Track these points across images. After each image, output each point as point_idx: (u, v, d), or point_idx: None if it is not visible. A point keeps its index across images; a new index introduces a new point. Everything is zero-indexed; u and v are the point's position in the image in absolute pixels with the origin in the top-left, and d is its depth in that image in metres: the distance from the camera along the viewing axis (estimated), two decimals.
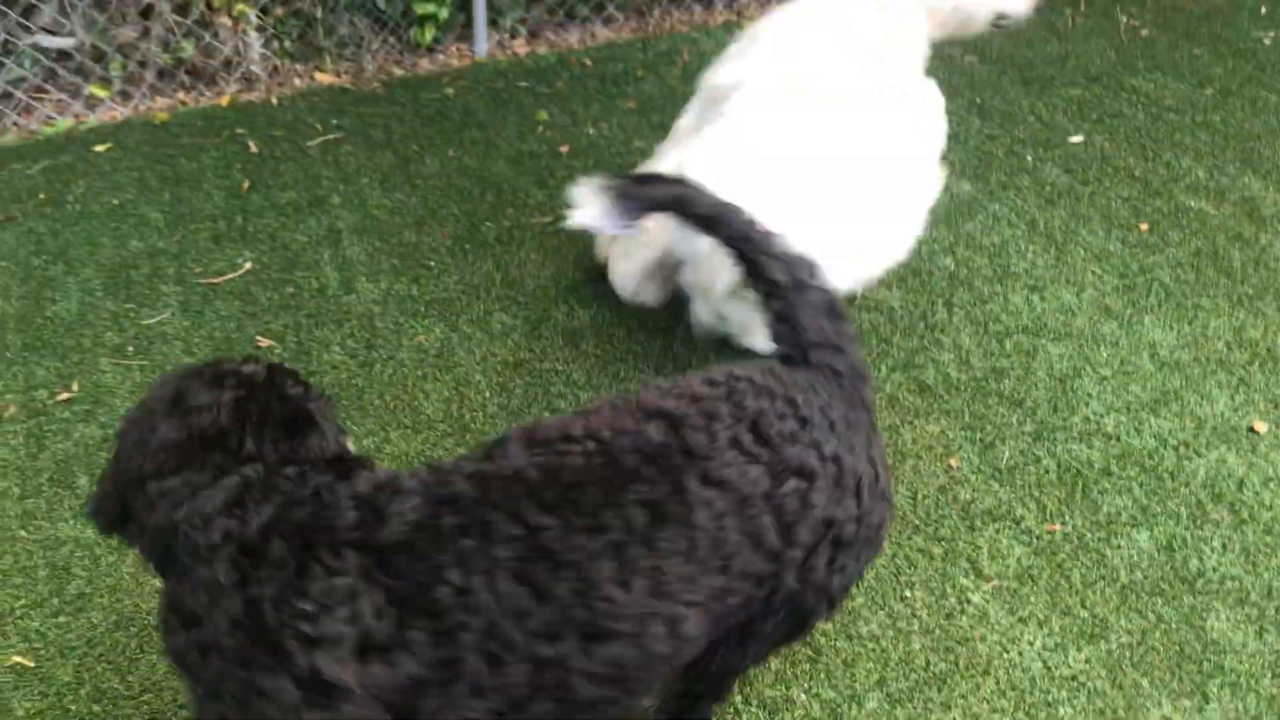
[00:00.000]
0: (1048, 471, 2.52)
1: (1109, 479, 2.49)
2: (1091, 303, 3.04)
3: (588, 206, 1.74)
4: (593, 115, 3.94)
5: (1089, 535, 2.35)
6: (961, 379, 2.79)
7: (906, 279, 3.14)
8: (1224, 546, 2.33)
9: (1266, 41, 4.42)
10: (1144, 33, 4.52)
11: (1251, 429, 2.62)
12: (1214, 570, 2.28)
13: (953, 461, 2.52)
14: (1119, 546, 2.33)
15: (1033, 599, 2.22)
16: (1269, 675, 2.08)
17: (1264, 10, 4.66)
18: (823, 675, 2.07)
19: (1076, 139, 3.80)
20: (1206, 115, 3.93)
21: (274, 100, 3.93)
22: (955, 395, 2.74)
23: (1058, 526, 2.37)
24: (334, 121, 3.80)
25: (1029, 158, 3.71)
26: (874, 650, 2.12)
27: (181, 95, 3.95)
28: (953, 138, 3.81)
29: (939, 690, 2.05)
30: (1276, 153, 3.69)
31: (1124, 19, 4.63)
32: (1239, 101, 4.01)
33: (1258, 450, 2.56)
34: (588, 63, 4.30)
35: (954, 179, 3.58)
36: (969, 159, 3.69)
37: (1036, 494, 2.45)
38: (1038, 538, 2.34)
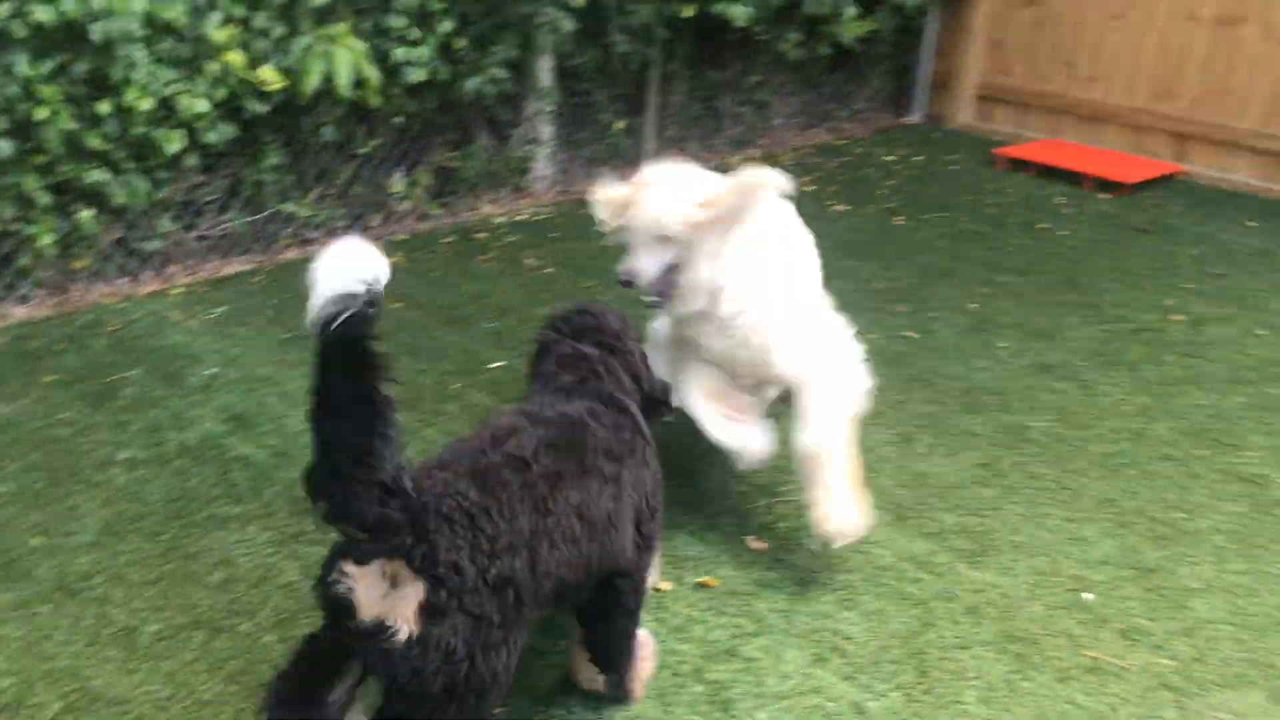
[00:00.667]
0: None
1: None
2: None
3: None
4: (9, 392, 3.77)
5: None
6: None
7: None
8: None
9: None
10: (547, 271, 5.18)
11: (656, 589, 3.01)
12: None
13: None
14: None
15: None
16: None
17: None
18: None
19: (496, 365, 4.23)
20: None
21: None
22: None
23: None
24: None
25: (456, 386, 4.06)
26: None
27: None
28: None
29: None
30: None
31: (527, 261, 5.28)
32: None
33: (662, 606, 2.94)
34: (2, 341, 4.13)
35: None
36: (400, 393, 3.96)
37: None
38: None
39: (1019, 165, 7.19)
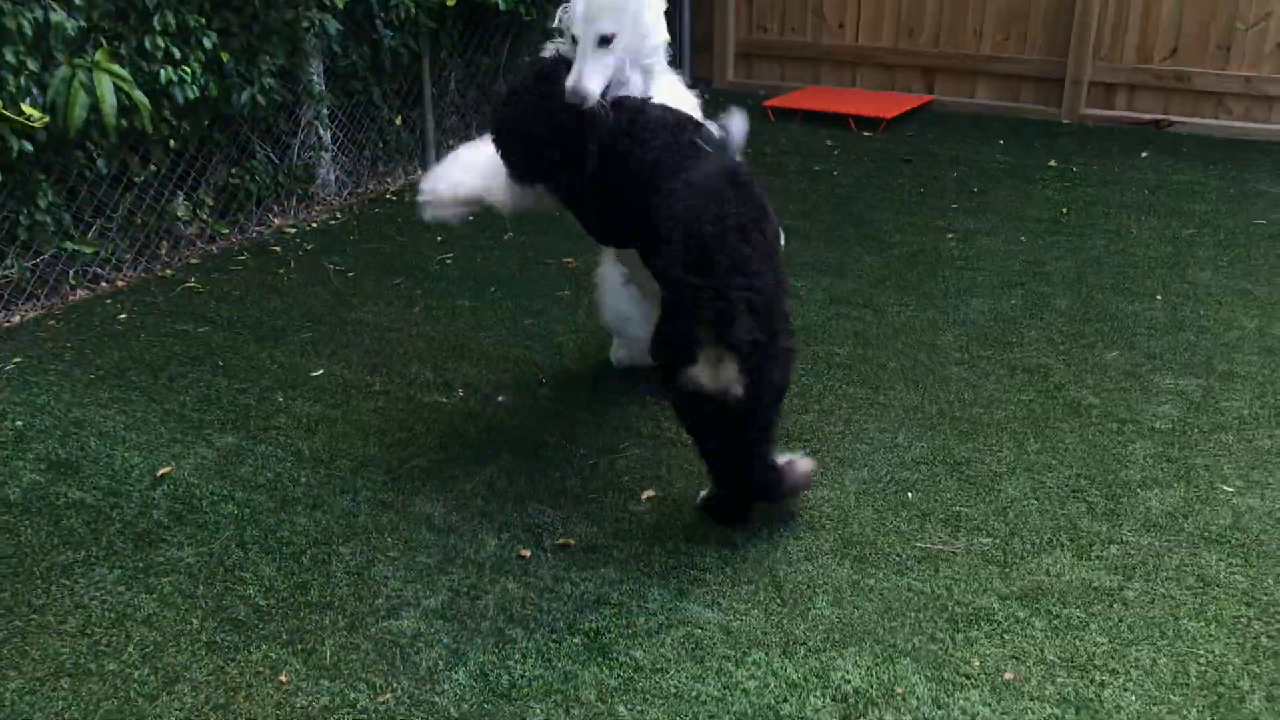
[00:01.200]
0: (367, 654, 2.77)
1: None
2: (368, 501, 3.41)
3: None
4: None
5: None
6: (271, 604, 2.96)
7: (197, 534, 3.26)
8: None
9: (449, 262, 5.29)
10: (351, 275, 5.16)
11: (520, 556, 3.12)
12: None
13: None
14: None
15: None
16: None
17: (439, 239, 5.57)
18: None
19: (317, 373, 4.23)
20: (420, 328, 4.60)
21: None
22: (268, 620, 2.90)
23: None
24: None
25: (280, 398, 4.04)
26: None
27: None
28: (203, 399, 4.05)
29: None
30: (480, 343, 4.44)
31: (331, 267, 5.25)
32: (440, 312, 4.75)
33: (528, 572, 3.05)
34: None
35: (215, 434, 3.80)
36: (225, 415, 3.93)
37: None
38: None
39: (787, 115, 7.57)
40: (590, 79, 3.21)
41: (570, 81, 3.22)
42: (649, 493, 3.42)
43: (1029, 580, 3.00)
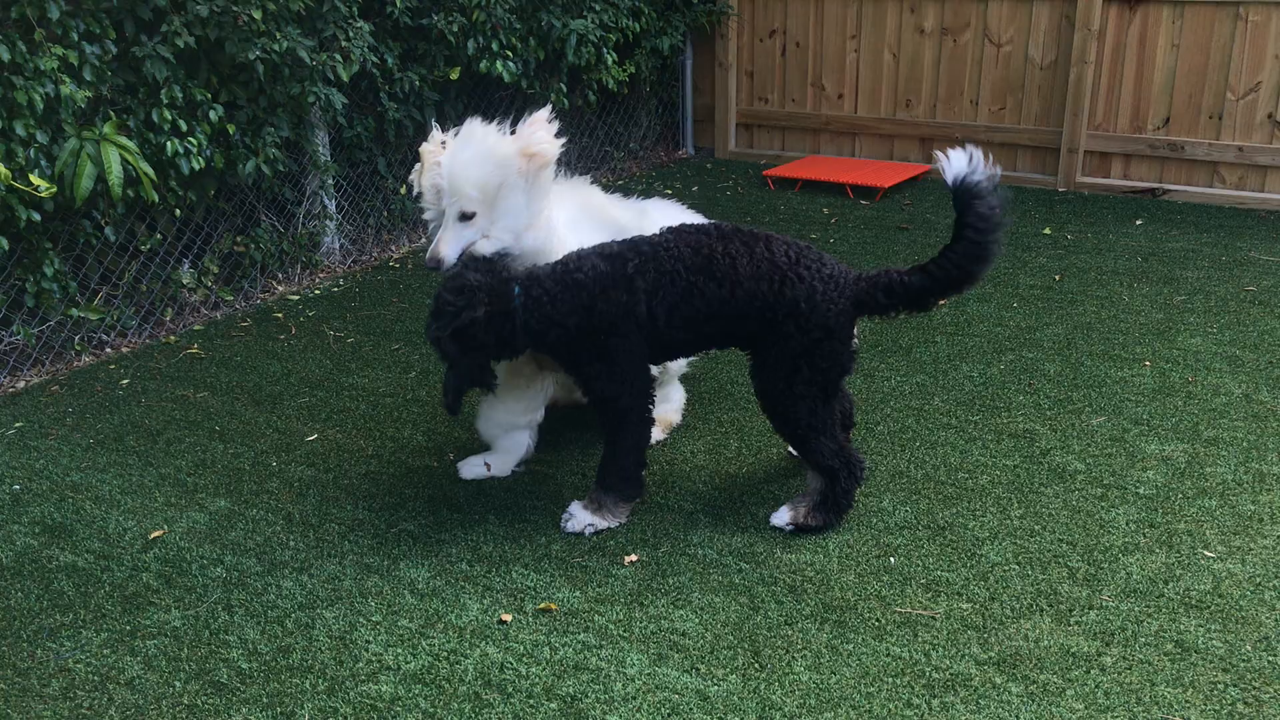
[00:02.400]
0: (345, 719, 2.79)
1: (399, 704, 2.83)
2: (354, 565, 3.44)
3: None
4: None
5: None
6: (253, 668, 2.99)
7: (184, 598, 3.30)
8: None
9: None
10: (350, 340, 5.24)
11: (501, 620, 3.15)
12: None
13: None
14: None
15: None
16: None
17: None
18: None
19: (312, 438, 4.28)
20: (415, 392, 4.66)
21: None
22: (250, 684, 2.93)
23: None
24: None
25: (274, 462, 4.10)
26: None
27: None
28: (199, 464, 4.11)
29: None
30: (472, 409, 4.49)
31: (331, 333, 5.34)
32: (436, 377, 4.81)
33: (508, 636, 3.08)
34: None
35: (208, 499, 3.85)
36: (219, 479, 3.99)
37: None
38: None
39: (786, 183, 7.68)
40: (445, 247, 3.51)
41: (430, 250, 3.54)
42: (633, 557, 3.44)
43: (1007, 646, 3.00)
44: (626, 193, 7.77)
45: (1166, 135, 7.06)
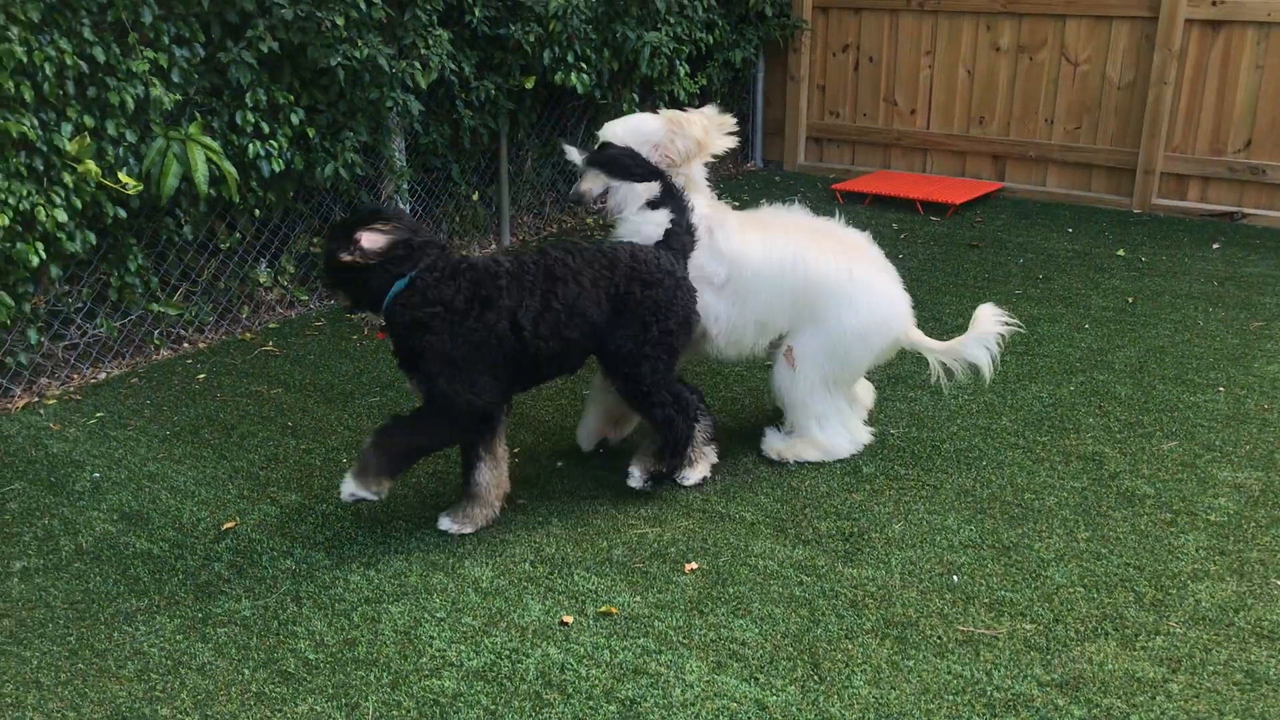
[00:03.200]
0: (408, 712, 2.84)
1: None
2: (419, 562, 3.50)
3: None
4: None
5: None
6: (320, 659, 3.05)
7: (254, 588, 3.38)
8: None
9: None
10: None
11: (562, 622, 3.18)
12: None
13: None
14: None
15: None
16: None
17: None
18: None
19: None
20: None
21: None
22: (316, 674, 2.99)
23: None
24: None
25: (344, 460, 4.18)
26: None
27: None
28: (271, 458, 4.20)
29: None
30: (539, 412, 4.54)
31: None
32: None
33: (569, 638, 3.11)
34: None
35: (280, 492, 3.93)
36: (291, 474, 4.08)
37: None
38: None
39: (856, 198, 7.65)
40: (584, 183, 4.08)
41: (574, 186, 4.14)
42: (693, 565, 3.46)
43: (1070, 668, 2.97)
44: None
45: (1247, 158, 6.93)
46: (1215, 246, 6.54)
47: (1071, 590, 3.30)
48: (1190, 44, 6.96)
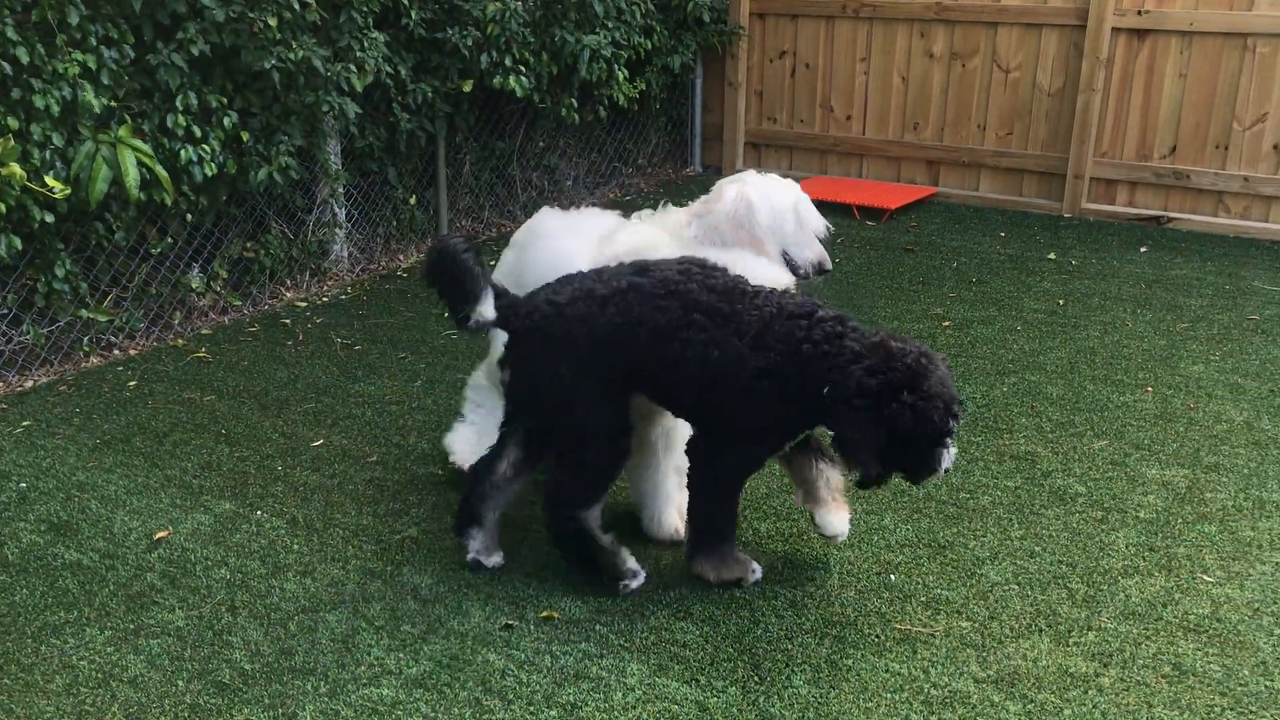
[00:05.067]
0: None
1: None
2: (357, 570, 3.46)
3: None
4: None
5: None
6: (255, 669, 3.01)
7: (188, 598, 3.32)
8: None
9: (454, 337, 5.40)
10: (357, 348, 5.27)
11: (508, 625, 3.17)
12: None
13: None
14: None
15: None
16: None
17: (446, 315, 5.68)
18: None
19: (317, 443, 4.31)
20: (421, 401, 4.69)
21: None
22: (252, 685, 2.95)
23: None
24: None
25: (279, 467, 4.12)
26: None
27: None
28: (205, 466, 4.13)
29: None
30: None
31: (338, 340, 5.37)
32: (441, 386, 4.84)
33: (510, 644, 3.10)
34: None
35: (214, 501, 3.87)
36: (225, 482, 4.01)
37: None
38: None
39: None
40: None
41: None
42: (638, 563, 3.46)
43: (1006, 665, 3.01)
44: (632, 207, 7.84)
45: (1172, 164, 7.10)
46: (1143, 250, 6.69)
47: (1006, 588, 3.36)
48: (1117, 52, 7.11)
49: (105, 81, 4.71)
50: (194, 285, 5.60)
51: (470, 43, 6.18)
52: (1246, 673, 2.97)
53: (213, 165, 5.12)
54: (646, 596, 3.32)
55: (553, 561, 3.50)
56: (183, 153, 4.98)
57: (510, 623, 3.20)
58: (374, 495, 3.92)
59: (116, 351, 5.24)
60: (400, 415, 4.55)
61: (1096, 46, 7.10)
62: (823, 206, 7.55)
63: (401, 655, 3.07)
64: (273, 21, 5.07)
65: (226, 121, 5.16)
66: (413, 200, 6.70)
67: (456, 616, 3.24)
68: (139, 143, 4.76)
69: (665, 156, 8.80)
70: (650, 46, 7.59)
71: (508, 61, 6.33)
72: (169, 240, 5.42)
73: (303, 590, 3.37)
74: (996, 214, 7.49)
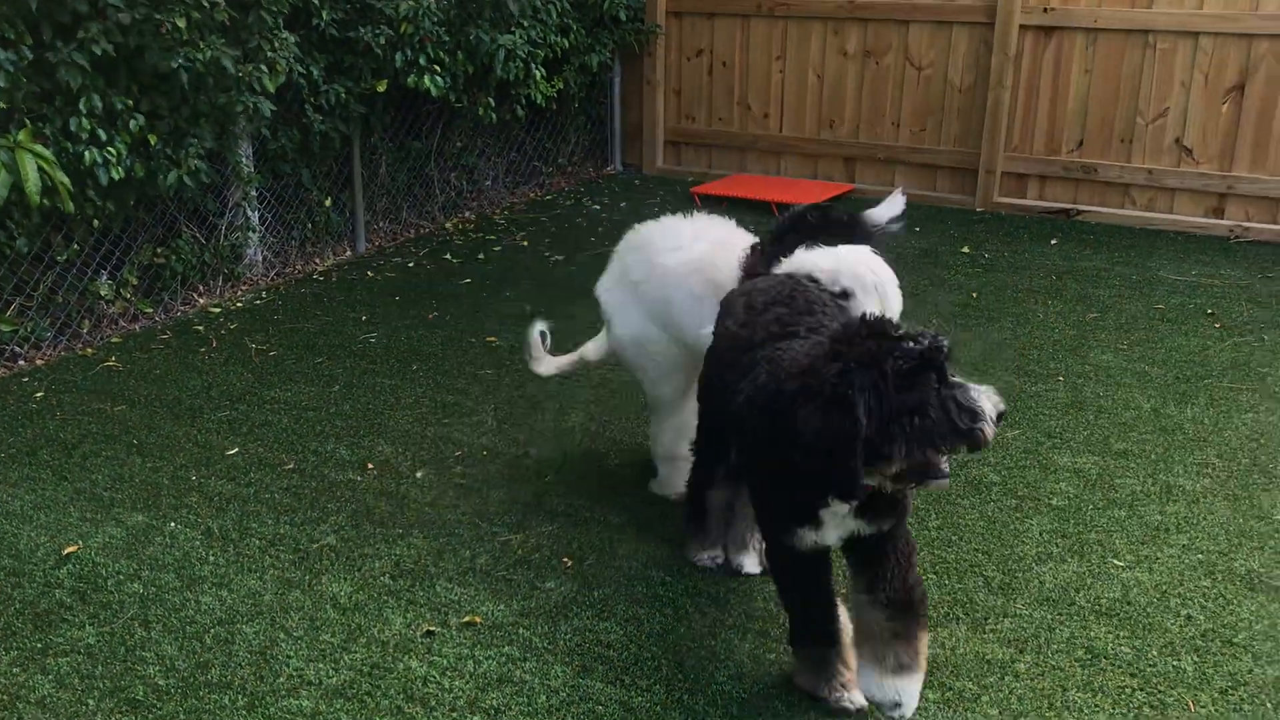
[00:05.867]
0: None
1: None
2: (274, 580, 3.40)
3: None
4: None
5: None
6: (170, 684, 2.94)
7: (99, 614, 3.23)
8: None
9: (372, 340, 5.33)
10: (272, 353, 5.18)
11: (429, 633, 3.14)
12: None
13: None
14: None
15: None
16: None
17: (364, 318, 5.63)
18: None
19: (232, 451, 4.22)
20: (339, 406, 4.62)
21: None
22: (167, 701, 2.88)
23: None
24: None
25: (193, 476, 4.03)
26: None
27: None
28: (116, 478, 4.03)
29: None
30: (398, 421, 4.46)
31: (253, 346, 5.27)
32: (360, 390, 4.78)
33: (431, 650, 3.07)
34: None
35: (126, 513, 3.78)
36: (137, 493, 3.92)
37: None
38: None
39: (713, 201, 7.76)
40: None
41: None
42: (563, 564, 3.45)
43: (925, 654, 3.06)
44: (553, 207, 7.84)
45: (1080, 158, 7.27)
46: (1053, 242, 6.84)
47: (924, 578, 3.40)
48: (1025, 48, 7.26)
49: (2, 84, 4.56)
50: (103, 292, 5.45)
51: (383, 42, 6.11)
52: (1155, 653, 3.05)
53: (119, 169, 4.99)
54: (570, 598, 3.32)
55: (478, 566, 3.47)
56: (87, 155, 4.85)
57: (432, 629, 3.17)
58: (291, 503, 3.86)
59: (22, 362, 5.09)
60: (318, 421, 4.48)
61: (1005, 43, 7.24)
62: (742, 204, 7.65)
63: (321, 665, 3.02)
64: (180, 22, 4.95)
65: (133, 124, 5.03)
66: (328, 202, 6.60)
67: (377, 624, 3.20)
68: (40, 147, 4.61)
69: (586, 155, 8.78)
70: (567, 45, 7.57)
71: (422, 61, 6.26)
72: (75, 247, 5.28)
73: (218, 602, 3.31)
74: (911, 209, 7.52)
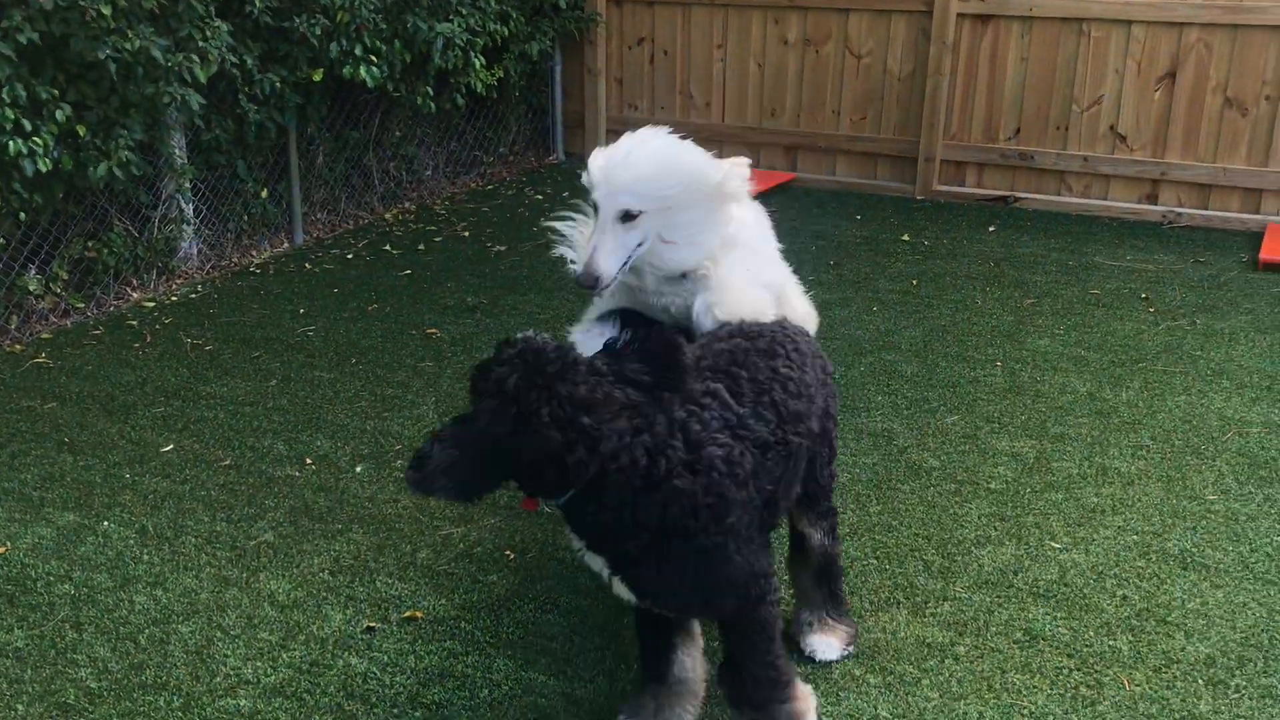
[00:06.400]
0: None
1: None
2: (211, 578, 3.34)
3: None
4: None
5: None
6: (103, 687, 2.88)
7: (28, 616, 3.16)
8: None
9: (310, 334, 5.26)
10: (208, 348, 5.09)
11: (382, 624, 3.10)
12: None
13: None
14: None
15: None
16: None
17: (302, 311, 5.54)
18: None
19: (167, 448, 4.15)
20: (276, 400, 4.55)
21: None
22: (99, 704, 2.82)
23: None
24: None
25: (127, 474, 3.95)
26: None
27: None
28: (46, 477, 3.93)
29: None
30: (336, 415, 4.41)
31: (188, 340, 5.17)
32: (298, 384, 4.71)
33: (371, 646, 3.03)
34: None
35: (56, 513, 3.69)
36: (68, 492, 3.83)
37: None
38: None
39: None
40: (603, 258, 2.84)
41: (580, 263, 2.87)
42: (505, 557, 3.42)
43: (866, 639, 3.08)
44: (494, 197, 7.78)
45: (1017, 145, 7.36)
46: (991, 229, 6.91)
47: (865, 563, 3.43)
48: (963, 37, 7.32)
49: None
50: (31, 287, 5.32)
51: (319, 30, 6.01)
52: (1092, 634, 3.10)
53: (46, 160, 4.86)
54: (513, 590, 3.30)
55: (418, 560, 3.44)
56: (11, 145, 4.72)
57: (372, 625, 3.14)
58: (228, 500, 3.80)
59: None
60: (254, 416, 4.41)
61: (943, 32, 7.29)
62: None
63: (259, 664, 2.98)
64: (106, 10, 4.83)
65: (59, 114, 4.91)
66: (264, 194, 6.49)
67: (316, 621, 3.16)
68: None
69: (527, 145, 8.72)
70: (507, 33, 7.51)
71: (358, 50, 6.18)
72: (1, 241, 5.14)
73: (153, 602, 3.24)
74: (853, 197, 7.65)
